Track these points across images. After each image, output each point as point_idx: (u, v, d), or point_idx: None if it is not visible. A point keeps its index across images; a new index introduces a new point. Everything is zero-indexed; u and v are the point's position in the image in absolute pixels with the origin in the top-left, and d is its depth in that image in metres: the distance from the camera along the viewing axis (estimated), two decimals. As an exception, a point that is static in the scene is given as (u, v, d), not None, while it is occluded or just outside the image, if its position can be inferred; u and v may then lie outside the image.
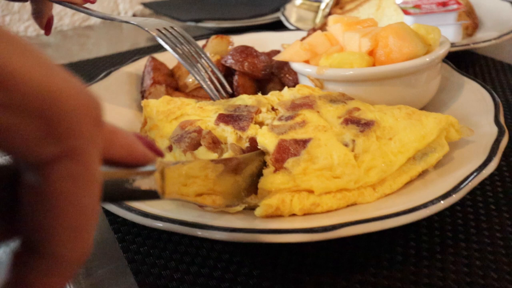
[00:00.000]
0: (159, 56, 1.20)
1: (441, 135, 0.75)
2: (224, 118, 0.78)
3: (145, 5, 1.93)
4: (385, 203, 0.68)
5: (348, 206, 0.68)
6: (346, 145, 0.71)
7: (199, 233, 0.60)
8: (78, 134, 0.30)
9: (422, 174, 0.75)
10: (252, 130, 0.75)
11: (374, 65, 0.89)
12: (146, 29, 0.89)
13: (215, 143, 0.75)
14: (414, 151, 0.72)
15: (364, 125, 0.73)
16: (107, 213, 0.75)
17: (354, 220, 0.61)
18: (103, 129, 0.33)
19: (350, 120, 0.74)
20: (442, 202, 0.64)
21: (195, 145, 0.75)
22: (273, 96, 0.86)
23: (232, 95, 0.99)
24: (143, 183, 0.38)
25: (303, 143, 0.69)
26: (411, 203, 0.65)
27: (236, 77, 1.03)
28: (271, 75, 1.08)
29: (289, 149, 0.68)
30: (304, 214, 0.65)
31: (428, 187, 0.70)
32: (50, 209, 0.30)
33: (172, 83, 1.08)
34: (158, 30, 0.89)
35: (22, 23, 1.88)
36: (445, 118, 0.76)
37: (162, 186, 0.41)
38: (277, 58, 1.00)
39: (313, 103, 0.80)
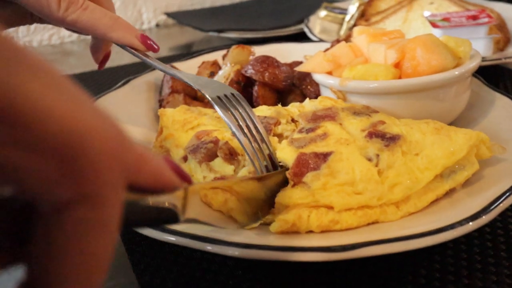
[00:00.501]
0: (179, 65, 1.18)
1: (471, 152, 0.71)
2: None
3: (169, 15, 1.93)
4: (409, 222, 0.65)
5: (369, 224, 0.65)
6: (369, 159, 0.67)
7: (209, 248, 0.57)
8: (98, 178, 0.28)
9: (450, 192, 0.71)
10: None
11: (400, 78, 0.86)
12: (207, 95, 0.75)
13: (232, 155, 0.73)
14: (442, 168, 0.69)
15: (389, 139, 0.70)
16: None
17: (376, 240, 0.58)
18: (128, 166, 0.31)
19: (375, 134, 0.71)
20: (470, 223, 0.60)
21: (211, 156, 0.73)
22: (294, 108, 0.83)
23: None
24: (162, 201, 0.37)
25: (324, 156, 0.66)
26: (437, 223, 0.61)
27: (256, 88, 1.01)
28: (293, 87, 1.05)
29: (309, 163, 0.66)
30: (322, 232, 0.62)
31: (456, 207, 0.67)
32: (61, 254, 0.28)
33: (191, 92, 1.07)
34: (219, 97, 0.75)
35: (47, 31, 1.90)
36: (476, 135, 0.72)
37: (184, 205, 0.40)
38: (299, 68, 0.97)
39: (335, 115, 0.77)
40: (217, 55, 1.22)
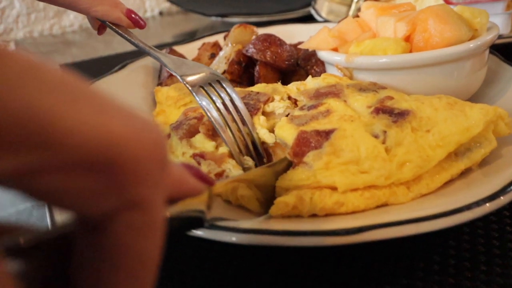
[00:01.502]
0: (179, 48, 1.14)
1: (487, 129, 0.66)
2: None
3: (171, 1, 1.89)
4: (421, 204, 0.60)
5: (377, 207, 0.60)
6: (376, 136, 0.62)
7: (200, 233, 0.53)
8: (141, 183, 0.28)
9: (465, 172, 0.65)
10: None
11: (410, 51, 0.80)
12: (188, 86, 0.72)
13: (215, 131, 0.69)
14: (455, 145, 0.63)
15: (398, 115, 0.65)
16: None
17: (384, 222, 0.53)
18: (168, 169, 0.31)
19: (382, 110, 0.66)
20: (487, 204, 0.55)
21: (193, 132, 0.71)
22: (293, 86, 0.79)
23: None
24: (189, 208, 0.38)
25: (326, 134, 0.61)
26: (452, 204, 0.56)
27: (257, 67, 0.96)
28: (297, 67, 1.00)
29: (310, 142, 0.61)
30: (326, 215, 0.57)
31: (472, 187, 0.61)
32: (113, 263, 0.29)
33: (191, 75, 1.02)
34: (201, 87, 0.72)
35: (48, 20, 1.87)
36: (493, 110, 0.67)
37: (209, 207, 0.40)
38: (303, 46, 0.93)
39: (339, 92, 0.72)
40: (218, 37, 1.17)
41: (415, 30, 0.80)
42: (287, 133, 0.64)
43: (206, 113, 0.69)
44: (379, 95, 0.71)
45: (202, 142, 0.69)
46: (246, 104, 0.74)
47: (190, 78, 0.74)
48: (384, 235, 0.53)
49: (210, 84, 0.74)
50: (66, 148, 0.25)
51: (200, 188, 0.38)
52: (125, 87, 1.00)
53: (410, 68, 0.78)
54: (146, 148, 0.28)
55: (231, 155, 0.67)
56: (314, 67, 0.99)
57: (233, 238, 0.53)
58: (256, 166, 0.69)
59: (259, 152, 0.72)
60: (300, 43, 1.07)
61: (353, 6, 1.44)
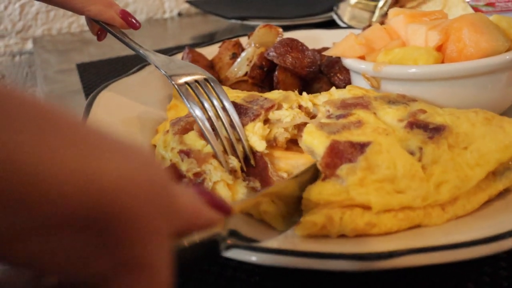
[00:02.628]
0: (200, 50, 1.09)
1: (528, 147, 0.61)
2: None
3: (191, 2, 1.85)
4: (457, 227, 0.54)
5: (410, 228, 0.54)
6: (411, 153, 0.57)
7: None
8: (138, 241, 0.24)
9: (504, 193, 0.60)
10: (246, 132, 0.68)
11: (443, 62, 0.75)
12: (175, 85, 0.71)
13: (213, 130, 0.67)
14: (495, 164, 0.58)
15: (433, 131, 0.59)
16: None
17: (417, 248, 0.48)
18: (177, 206, 0.28)
19: (416, 124, 0.61)
20: (531, 230, 0.50)
21: (188, 130, 0.69)
22: (311, 97, 0.74)
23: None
24: (202, 240, 0.33)
25: (361, 147, 0.56)
26: (491, 229, 0.51)
27: (276, 72, 0.91)
28: (319, 74, 0.95)
29: (343, 153, 0.56)
30: (357, 236, 0.52)
31: (511, 209, 0.56)
32: None
33: (213, 76, 0.97)
34: (187, 83, 0.72)
35: (66, 18, 1.83)
36: (534, 126, 0.61)
37: (225, 227, 0.36)
38: (327, 53, 0.87)
39: (367, 104, 0.67)
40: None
41: (448, 39, 0.74)
42: (317, 140, 0.59)
43: (190, 111, 0.68)
44: (410, 108, 0.65)
45: (193, 140, 0.67)
46: (248, 109, 0.71)
47: (178, 77, 0.72)
48: (416, 261, 0.47)
49: (199, 84, 0.73)
50: (47, 206, 0.20)
51: (215, 220, 0.33)
52: (142, 89, 0.95)
53: (442, 80, 0.73)
54: (143, 196, 0.24)
55: (216, 155, 0.65)
56: (338, 74, 0.93)
57: (252, 257, 0.48)
58: (241, 167, 0.68)
59: (246, 154, 0.70)
60: (324, 49, 1.02)
61: (377, 12, 1.38)
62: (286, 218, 0.53)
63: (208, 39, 1.66)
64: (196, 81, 0.73)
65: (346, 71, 0.90)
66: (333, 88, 0.75)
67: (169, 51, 1.54)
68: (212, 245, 0.35)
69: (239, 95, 0.79)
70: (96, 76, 1.32)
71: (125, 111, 0.89)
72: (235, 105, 0.74)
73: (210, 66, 1.02)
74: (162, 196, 0.26)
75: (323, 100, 0.72)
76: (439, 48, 0.76)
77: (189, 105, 0.68)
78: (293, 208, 0.54)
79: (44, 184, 0.20)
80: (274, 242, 0.49)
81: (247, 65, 0.95)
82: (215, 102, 0.71)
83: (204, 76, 0.74)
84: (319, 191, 0.54)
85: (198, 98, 0.70)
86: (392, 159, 0.55)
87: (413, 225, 0.54)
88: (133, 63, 1.42)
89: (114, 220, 0.23)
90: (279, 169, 0.71)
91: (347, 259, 0.47)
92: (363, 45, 0.83)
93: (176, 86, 0.70)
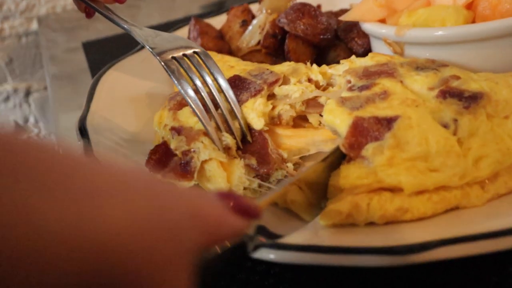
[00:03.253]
0: (207, 21, 1.02)
1: None
2: (231, 83, 0.67)
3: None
4: (499, 208, 0.48)
5: (447, 211, 0.48)
6: (445, 126, 0.50)
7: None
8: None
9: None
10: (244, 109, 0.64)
11: (474, 21, 0.67)
12: (159, 59, 0.65)
13: (205, 107, 0.63)
14: (542, 134, 0.51)
15: (469, 99, 0.52)
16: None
17: (454, 237, 0.42)
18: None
19: (449, 92, 0.53)
20: None
21: (182, 105, 0.66)
22: (325, 67, 0.68)
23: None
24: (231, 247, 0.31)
25: (388, 122, 0.49)
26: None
27: (286, 41, 0.83)
28: (336, 41, 0.87)
29: (369, 131, 0.49)
30: (387, 223, 0.46)
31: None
32: None
33: (224, 48, 0.90)
34: (174, 58, 0.66)
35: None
36: None
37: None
38: (344, 18, 0.79)
39: (393, 71, 0.59)
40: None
41: (479, -5, 0.66)
42: (338, 118, 0.52)
43: (178, 88, 0.63)
44: (442, 74, 0.58)
45: (186, 117, 0.63)
46: (251, 83, 0.66)
47: (164, 52, 0.66)
48: (454, 253, 0.41)
49: (187, 57, 0.67)
50: (34, 267, 0.18)
51: (242, 227, 0.30)
52: (150, 65, 0.89)
53: (474, 41, 0.65)
54: (153, 243, 0.22)
55: (207, 133, 0.62)
56: (356, 39, 0.85)
57: (271, 255, 0.42)
58: (237, 144, 0.64)
59: (243, 131, 0.66)
60: (342, 11, 0.93)
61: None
62: (314, 206, 0.47)
63: (219, 8, 1.59)
64: (185, 55, 0.67)
65: (365, 35, 0.82)
66: (353, 56, 0.68)
67: (177, 23, 1.46)
68: (240, 248, 0.32)
69: (246, 68, 0.73)
70: (103, 54, 1.26)
71: (133, 88, 0.84)
72: (239, 79, 0.69)
73: (220, 36, 0.95)
74: (176, 230, 0.24)
75: (343, 70, 0.65)
76: (469, 6, 0.67)
77: (176, 82, 0.63)
78: (321, 195, 0.48)
79: (34, 236, 0.19)
80: (298, 237, 0.43)
81: (259, 33, 0.88)
82: (207, 78, 0.66)
83: (194, 50, 0.68)
84: (344, 175, 0.47)
85: (187, 73, 0.65)
86: (423, 134, 0.48)
87: (450, 207, 0.48)
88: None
89: (124, 278, 0.21)
90: (283, 146, 0.66)
91: (376, 253, 0.41)
92: (383, 6, 0.74)
93: (162, 63, 0.65)
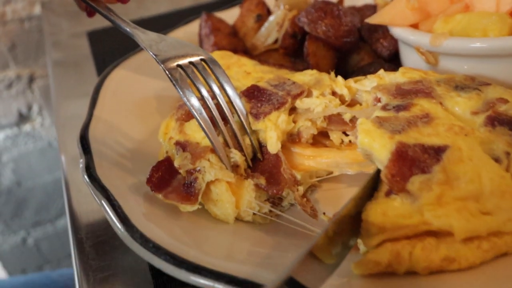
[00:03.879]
0: (219, 14, 0.95)
1: None
2: (250, 93, 0.62)
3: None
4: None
5: (496, 257, 0.42)
6: (496, 160, 0.44)
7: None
8: None
9: None
10: (268, 122, 0.58)
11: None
12: (163, 67, 0.59)
13: (212, 121, 0.57)
14: None
15: (522, 128, 0.46)
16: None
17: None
18: None
19: (498, 120, 0.47)
20: None
21: (191, 117, 0.60)
22: (350, 81, 0.61)
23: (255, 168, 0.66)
24: None
25: (436, 152, 0.43)
26: None
27: (306, 43, 0.76)
28: (360, 42, 0.80)
29: (414, 161, 0.43)
30: (431, 273, 0.40)
31: None
32: None
33: (239, 46, 0.83)
34: (180, 66, 0.60)
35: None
36: None
37: None
38: (371, 20, 0.72)
39: (430, 90, 0.53)
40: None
41: (527, 3, 0.60)
42: (377, 142, 0.46)
43: (183, 99, 0.57)
44: (485, 96, 0.51)
45: (194, 131, 0.58)
46: (272, 94, 0.61)
47: (169, 60, 0.60)
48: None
49: (193, 65, 0.60)
50: None
51: None
52: (157, 66, 0.83)
53: (521, 55, 0.58)
54: None
55: (214, 149, 0.56)
56: (381, 40, 0.78)
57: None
58: (246, 161, 0.59)
59: (253, 147, 0.60)
60: (367, 6, 0.86)
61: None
62: (338, 247, 0.41)
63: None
64: (191, 63, 0.61)
65: (391, 36, 0.75)
66: (382, 71, 0.61)
67: (186, 12, 1.39)
68: None
69: (264, 76, 0.67)
70: (108, 44, 1.19)
71: (141, 90, 0.78)
72: (257, 89, 0.62)
73: (233, 33, 0.88)
74: None
75: (371, 85, 0.58)
76: (515, 15, 0.61)
77: (181, 93, 0.57)
78: (349, 231, 0.42)
79: None
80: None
81: (277, 31, 0.81)
82: (215, 88, 0.59)
83: (201, 57, 0.62)
84: (383, 210, 0.41)
85: (194, 83, 0.59)
86: (475, 169, 0.42)
87: (499, 254, 0.42)
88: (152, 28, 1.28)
89: None
90: (301, 167, 0.61)
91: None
92: (416, 10, 0.68)
93: (166, 71, 0.58)
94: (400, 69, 0.60)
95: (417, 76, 0.57)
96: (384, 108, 0.51)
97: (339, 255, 0.41)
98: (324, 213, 0.52)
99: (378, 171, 0.45)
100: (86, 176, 0.57)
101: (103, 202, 0.53)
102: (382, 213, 0.41)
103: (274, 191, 0.57)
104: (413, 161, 0.43)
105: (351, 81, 0.62)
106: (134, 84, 0.78)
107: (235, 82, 0.67)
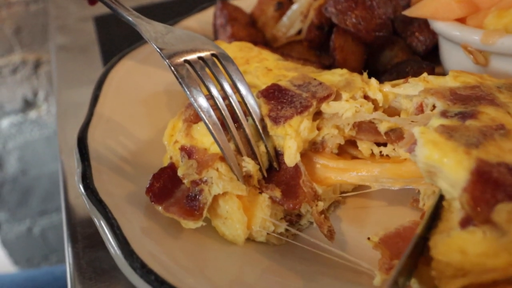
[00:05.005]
0: (236, 2, 0.86)
1: None
2: (270, 94, 0.54)
3: None
4: None
5: None
6: None
7: None
8: None
9: None
10: (288, 128, 0.50)
11: None
12: (168, 63, 0.51)
13: (223, 124, 0.50)
14: None
15: None
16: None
17: None
18: None
19: None
20: None
21: (200, 118, 0.51)
22: (387, 86, 0.53)
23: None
24: None
25: None
26: None
27: (332, 36, 0.68)
28: (394, 36, 0.71)
29: (499, 184, 0.34)
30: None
31: None
32: None
33: (258, 37, 0.75)
34: (188, 62, 0.52)
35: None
36: None
37: None
38: (410, 13, 0.63)
39: (492, 97, 0.44)
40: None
41: None
42: (450, 158, 0.37)
43: (190, 100, 0.50)
44: (557, 105, 0.43)
45: (202, 135, 0.52)
46: (295, 96, 0.53)
47: (176, 55, 0.52)
48: None
49: (203, 62, 0.53)
50: None
51: None
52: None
53: None
54: None
55: (225, 157, 0.50)
56: (416, 34, 0.69)
57: None
58: (261, 171, 0.52)
59: (269, 155, 0.52)
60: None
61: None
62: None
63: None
64: (201, 58, 0.53)
65: (428, 28, 0.66)
66: (425, 74, 0.52)
67: (199, 1, 1.29)
68: None
69: (287, 74, 0.59)
70: (115, 31, 1.11)
71: (149, 84, 0.70)
72: (278, 89, 0.54)
73: (251, 23, 0.79)
74: None
75: (414, 91, 0.49)
76: None
77: (188, 92, 0.50)
78: (402, 270, 0.34)
79: None
80: None
81: (301, 21, 0.72)
82: (227, 87, 0.52)
83: (212, 52, 0.54)
84: (460, 247, 0.33)
85: (203, 81, 0.51)
86: None
87: None
88: (162, 15, 1.19)
89: None
90: (327, 181, 0.53)
91: None
92: (463, 2, 0.58)
93: (171, 67, 0.51)
94: (451, 72, 0.51)
95: (472, 80, 0.48)
96: (444, 114, 0.42)
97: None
98: (369, 238, 0.44)
99: (441, 196, 0.36)
100: (81, 187, 0.50)
101: (101, 222, 0.46)
102: (459, 251, 0.33)
103: (291, 205, 0.50)
104: (498, 184, 0.34)
105: (387, 85, 0.54)
106: (142, 77, 0.71)
107: (253, 79, 0.61)
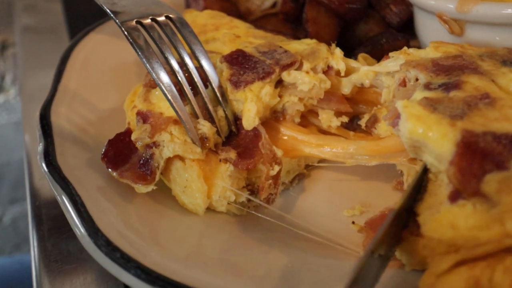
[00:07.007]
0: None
1: None
2: (233, 59, 0.53)
3: None
4: None
5: None
6: None
7: None
8: None
9: None
10: (248, 93, 0.50)
11: None
12: (118, 22, 0.50)
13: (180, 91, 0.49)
14: None
15: None
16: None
17: None
18: None
19: None
20: None
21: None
22: (364, 63, 0.52)
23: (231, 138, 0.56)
24: None
25: (511, 142, 0.34)
26: None
27: (305, 8, 0.66)
28: (369, 10, 0.70)
29: (487, 154, 0.33)
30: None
31: None
32: None
33: (232, 10, 0.72)
34: (139, 22, 0.50)
35: None
36: None
37: None
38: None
39: (476, 66, 0.43)
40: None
41: None
42: (435, 131, 0.36)
43: (143, 62, 0.49)
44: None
45: (159, 99, 0.51)
46: (258, 62, 0.52)
47: (127, 16, 0.51)
48: None
49: (158, 24, 0.52)
50: None
51: None
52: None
53: None
54: None
55: (180, 119, 0.49)
56: (391, 6, 0.68)
57: None
58: (218, 134, 0.51)
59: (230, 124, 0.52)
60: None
61: None
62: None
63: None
64: (155, 21, 0.52)
65: (401, 1, 0.65)
66: (405, 47, 0.51)
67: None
68: None
69: (254, 41, 0.58)
70: (84, 9, 1.07)
71: (118, 55, 0.67)
72: (242, 55, 0.53)
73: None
74: None
75: (395, 65, 0.48)
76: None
77: (140, 53, 0.48)
78: (388, 240, 0.33)
79: None
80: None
81: (276, -6, 0.71)
82: (184, 53, 0.51)
83: (168, 15, 0.53)
84: (451, 222, 0.32)
85: (158, 46, 0.50)
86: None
87: None
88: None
89: None
90: (292, 153, 0.53)
91: None
92: (438, -29, 0.57)
93: (123, 30, 0.49)
94: (431, 43, 0.50)
95: (454, 50, 0.47)
96: (427, 87, 0.41)
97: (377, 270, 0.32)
98: (353, 222, 0.44)
99: (425, 169, 0.35)
100: (44, 164, 0.47)
101: (63, 198, 0.44)
102: (450, 226, 0.32)
103: (245, 165, 0.49)
104: (485, 154, 0.33)
105: (362, 61, 0.53)
106: (111, 49, 0.68)
107: (220, 45, 0.59)
